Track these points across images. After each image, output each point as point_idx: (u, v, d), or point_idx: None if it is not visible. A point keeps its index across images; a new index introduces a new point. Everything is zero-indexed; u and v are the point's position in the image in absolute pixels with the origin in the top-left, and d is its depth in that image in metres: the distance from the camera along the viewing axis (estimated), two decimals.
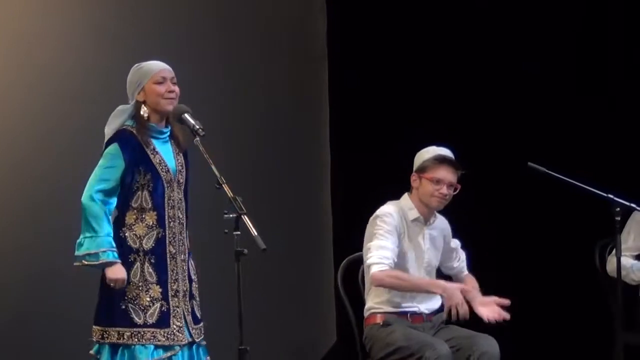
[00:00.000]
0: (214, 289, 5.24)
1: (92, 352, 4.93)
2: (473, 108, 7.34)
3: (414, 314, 5.39)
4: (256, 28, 7.47)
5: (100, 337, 4.86)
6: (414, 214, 5.42)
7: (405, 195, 5.47)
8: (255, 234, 4.47)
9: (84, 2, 6.83)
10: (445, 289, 5.21)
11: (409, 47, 7.42)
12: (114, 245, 4.81)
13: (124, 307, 4.83)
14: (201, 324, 5.03)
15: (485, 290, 5.73)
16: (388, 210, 5.40)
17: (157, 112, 4.92)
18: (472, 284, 5.53)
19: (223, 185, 4.68)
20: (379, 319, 5.39)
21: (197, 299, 5.03)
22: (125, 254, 4.88)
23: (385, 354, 5.28)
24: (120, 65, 5.37)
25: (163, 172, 4.92)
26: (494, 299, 5.21)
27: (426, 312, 5.42)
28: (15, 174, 6.35)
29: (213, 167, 4.75)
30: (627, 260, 5.77)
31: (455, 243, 5.66)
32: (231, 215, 4.58)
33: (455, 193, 5.38)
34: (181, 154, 5.04)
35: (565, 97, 7.20)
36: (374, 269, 5.25)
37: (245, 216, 4.52)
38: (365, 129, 7.08)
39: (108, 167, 4.87)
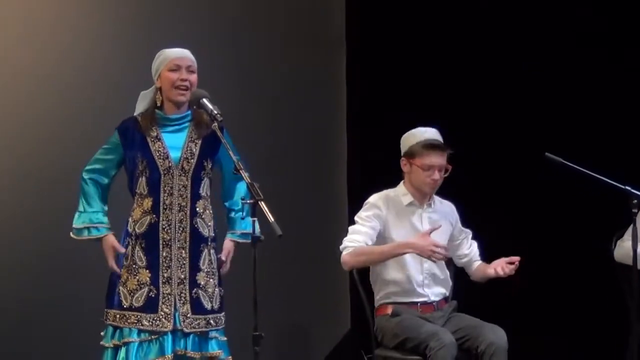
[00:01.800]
0: (230, 275, 5.22)
1: (102, 333, 5.04)
2: (491, 98, 7.33)
3: (424, 303, 5.41)
4: (275, 15, 7.49)
5: (104, 318, 4.97)
6: (407, 198, 5.44)
7: (401, 183, 5.49)
8: (272, 220, 4.45)
9: None
10: (411, 245, 5.20)
11: (428, 35, 7.42)
12: (103, 221, 5.01)
13: (118, 290, 4.94)
14: (208, 315, 5.02)
15: (495, 282, 5.78)
16: (372, 200, 5.44)
17: (169, 100, 4.97)
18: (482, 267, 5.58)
19: (240, 171, 4.69)
20: (389, 310, 5.43)
21: (208, 289, 5.02)
22: (124, 237, 5.02)
23: (395, 344, 5.32)
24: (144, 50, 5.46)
25: (160, 159, 4.96)
26: (503, 259, 5.36)
27: (437, 300, 5.45)
28: (32, 173, 6.40)
29: (230, 152, 4.79)
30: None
31: (466, 232, 5.66)
32: (248, 201, 4.58)
33: (446, 175, 5.39)
34: (198, 141, 5.04)
35: (582, 89, 7.17)
36: (343, 254, 5.30)
37: (263, 202, 4.51)
38: (382, 118, 7.09)
39: (104, 149, 5.05)
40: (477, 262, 5.63)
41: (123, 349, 4.91)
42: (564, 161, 5.34)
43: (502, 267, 5.34)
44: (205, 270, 5.02)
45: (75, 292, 6.23)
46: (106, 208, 5.08)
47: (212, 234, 5.08)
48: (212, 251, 5.06)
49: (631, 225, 5.48)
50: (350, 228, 5.38)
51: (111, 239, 4.99)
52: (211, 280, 5.03)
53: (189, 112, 5.04)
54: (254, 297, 4.57)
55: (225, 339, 5.10)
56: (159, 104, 5.01)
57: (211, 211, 5.10)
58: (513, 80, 7.26)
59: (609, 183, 5.34)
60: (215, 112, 4.77)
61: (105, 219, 5.04)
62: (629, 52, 7.09)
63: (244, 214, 4.69)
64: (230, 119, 5.00)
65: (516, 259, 5.33)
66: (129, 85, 5.70)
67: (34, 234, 6.45)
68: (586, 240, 6.44)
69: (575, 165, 5.36)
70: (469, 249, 5.64)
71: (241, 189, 5.14)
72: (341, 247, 5.33)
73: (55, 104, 6.63)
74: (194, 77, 4.97)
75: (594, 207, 6.32)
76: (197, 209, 5.00)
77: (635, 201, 5.33)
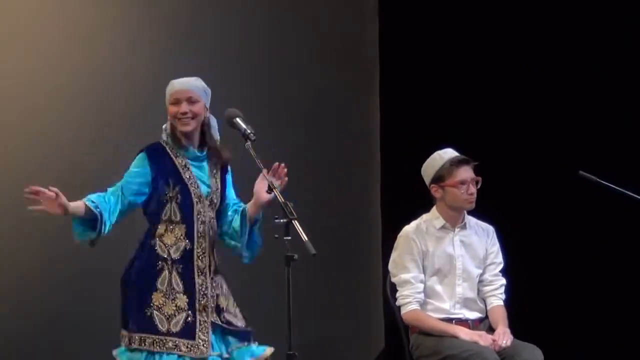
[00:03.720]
0: (264, 293, 5.33)
1: (115, 353, 4.92)
2: (523, 116, 7.31)
3: (459, 320, 5.37)
4: (310, 32, 7.54)
5: (127, 342, 4.83)
6: (439, 222, 5.44)
7: (433, 208, 5.49)
8: (306, 239, 4.44)
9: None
10: (464, 333, 5.27)
11: (460, 54, 7.44)
12: (90, 201, 4.74)
13: (149, 313, 4.81)
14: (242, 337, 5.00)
15: (532, 301, 5.74)
16: (405, 234, 5.47)
17: (178, 131, 4.90)
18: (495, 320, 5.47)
19: (274, 190, 4.70)
20: None
21: (230, 309, 4.99)
22: (154, 261, 4.87)
23: None
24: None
25: (193, 187, 4.90)
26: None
27: (472, 319, 5.41)
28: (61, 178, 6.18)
29: (264, 171, 4.78)
30: None
31: (497, 263, 5.57)
32: (282, 221, 4.55)
33: (479, 187, 5.39)
34: (218, 175, 5.01)
35: (615, 108, 7.14)
36: (403, 310, 5.39)
37: (296, 221, 4.50)
38: (415, 135, 7.10)
39: (133, 169, 4.86)
40: (497, 302, 5.52)
41: None
42: (597, 179, 5.36)
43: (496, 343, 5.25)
44: (222, 292, 5.00)
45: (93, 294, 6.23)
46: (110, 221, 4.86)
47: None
48: (220, 274, 5.04)
49: None
50: (399, 278, 5.41)
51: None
52: (229, 301, 5.00)
53: (205, 148, 5.00)
54: (288, 317, 4.54)
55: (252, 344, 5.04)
56: (172, 137, 4.98)
57: None
58: (547, 99, 7.25)
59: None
60: (249, 131, 4.74)
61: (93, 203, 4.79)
62: None
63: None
64: (265, 138, 4.97)
65: (499, 345, 5.23)
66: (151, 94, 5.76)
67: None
68: (618, 256, 6.45)
69: (607, 182, 5.35)
70: (491, 279, 5.53)
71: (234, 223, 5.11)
72: (399, 302, 5.40)
73: (88, 111, 6.66)
74: (196, 107, 4.88)
75: (626, 223, 6.28)
76: (217, 239, 5.03)
77: None
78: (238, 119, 4.81)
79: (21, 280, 6.50)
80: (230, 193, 5.09)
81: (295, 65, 7.41)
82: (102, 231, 4.73)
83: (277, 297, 4.67)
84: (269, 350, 5.02)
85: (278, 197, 4.67)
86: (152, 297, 4.83)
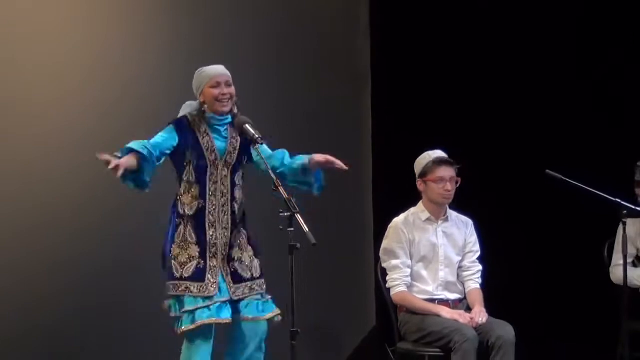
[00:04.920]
0: (270, 278, 5.23)
1: (167, 303, 5.01)
2: (502, 123, 7.29)
3: (441, 301, 5.42)
4: (309, 46, 7.46)
5: (168, 289, 4.94)
6: (425, 215, 5.48)
7: (420, 202, 5.53)
8: (307, 230, 4.50)
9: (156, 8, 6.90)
10: (445, 312, 5.31)
11: (444, 65, 7.41)
12: (127, 148, 4.77)
13: (170, 264, 4.94)
14: (248, 282, 5.01)
15: (506, 284, 5.82)
16: (394, 225, 5.50)
17: (213, 111, 5.00)
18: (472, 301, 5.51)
19: (279, 188, 4.73)
20: None
21: (245, 261, 5.02)
22: (175, 217, 4.99)
23: (418, 337, 5.34)
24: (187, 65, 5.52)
25: (208, 152, 4.97)
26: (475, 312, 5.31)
27: (452, 299, 5.46)
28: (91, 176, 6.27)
29: (270, 171, 4.85)
30: (631, 271, 5.76)
31: (475, 251, 5.61)
32: (286, 214, 4.62)
33: (457, 186, 5.43)
34: (237, 138, 5.06)
35: (581, 110, 7.15)
36: (393, 292, 5.43)
37: (298, 215, 4.57)
38: (402, 139, 7.05)
39: (161, 135, 4.93)
40: (473, 285, 5.55)
41: (187, 316, 4.92)
42: (562, 177, 5.39)
43: (473, 320, 5.26)
44: (238, 245, 5.04)
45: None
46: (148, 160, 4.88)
47: (242, 215, 5.10)
48: (242, 229, 5.08)
49: (617, 235, 5.64)
50: (389, 264, 5.46)
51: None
52: (245, 253, 5.05)
53: (229, 116, 5.08)
54: (291, 298, 4.62)
55: (269, 297, 5.08)
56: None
57: (242, 196, 5.11)
58: (520, 104, 7.24)
59: (602, 196, 5.38)
60: (257, 136, 4.85)
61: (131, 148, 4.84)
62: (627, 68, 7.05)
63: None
64: (270, 142, 5.07)
65: (476, 322, 5.25)
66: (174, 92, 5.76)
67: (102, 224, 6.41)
68: (581, 247, 6.42)
69: (572, 180, 5.39)
70: (469, 266, 5.57)
71: (277, 154, 5.16)
72: (389, 284, 5.45)
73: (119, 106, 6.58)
74: (232, 89, 5.01)
75: (589, 217, 6.24)
76: (235, 195, 5.04)
77: (625, 211, 5.38)
78: (247, 125, 4.90)
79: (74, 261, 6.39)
80: (261, 151, 5.01)
81: (295, 76, 7.37)
82: (152, 169, 4.84)
83: (282, 281, 4.74)
84: (272, 314, 5.04)
85: (282, 193, 4.70)
86: (172, 249, 4.95)
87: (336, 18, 7.69)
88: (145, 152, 4.79)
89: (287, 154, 5.13)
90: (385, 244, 5.53)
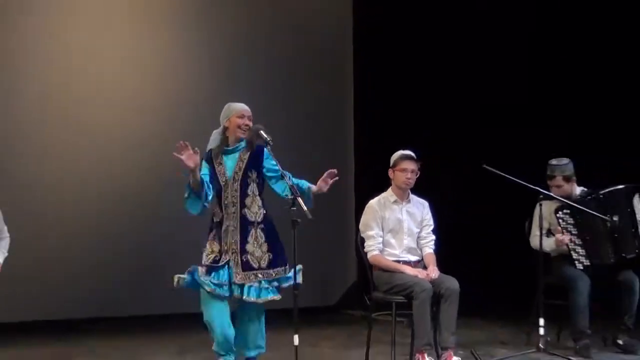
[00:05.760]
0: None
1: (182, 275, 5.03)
2: (449, 129, 7.48)
3: (405, 262, 5.42)
4: (299, 59, 7.65)
5: (188, 267, 5.02)
6: (393, 197, 5.45)
7: (389, 188, 5.50)
8: (305, 209, 4.59)
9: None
10: (407, 270, 5.29)
11: (414, 78, 7.57)
12: (192, 185, 4.81)
13: (202, 250, 5.05)
14: (255, 271, 4.96)
15: (452, 249, 5.81)
16: (370, 205, 5.44)
17: (234, 136, 5.06)
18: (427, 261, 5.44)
19: (285, 177, 4.87)
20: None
21: (255, 254, 4.98)
22: (211, 222, 5.08)
23: (387, 288, 5.36)
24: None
25: (221, 176, 5.01)
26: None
27: (413, 260, 5.47)
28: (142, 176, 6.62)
29: (279, 166, 4.96)
30: (544, 240, 5.75)
31: (430, 225, 5.50)
32: (290, 197, 4.76)
33: (417, 176, 5.39)
34: (245, 158, 5.02)
35: (515, 119, 7.39)
36: (369, 255, 5.40)
37: (299, 197, 4.68)
38: (378, 139, 7.11)
39: (203, 171, 5.01)
40: (428, 250, 5.47)
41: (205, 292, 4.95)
42: (495, 170, 5.44)
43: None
44: (252, 242, 4.99)
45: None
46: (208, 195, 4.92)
47: (259, 219, 5.00)
48: (258, 229, 5.00)
49: (534, 213, 5.70)
50: (366, 233, 5.40)
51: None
52: (258, 248, 4.98)
53: (243, 140, 5.06)
54: (294, 259, 4.75)
55: (276, 284, 5.03)
56: (224, 137, 5.04)
57: (260, 203, 5.02)
58: (465, 121, 7.47)
59: (525, 185, 5.50)
60: (269, 138, 4.89)
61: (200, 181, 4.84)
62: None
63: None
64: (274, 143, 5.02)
65: (430, 277, 5.20)
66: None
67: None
68: (510, 221, 6.33)
69: (503, 172, 5.44)
70: (425, 236, 5.50)
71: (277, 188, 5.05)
72: (366, 249, 5.39)
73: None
74: (250, 122, 5.03)
75: (515, 199, 6.03)
76: (246, 203, 4.98)
77: (541, 196, 5.56)
78: (262, 131, 4.94)
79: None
80: (268, 164, 5.00)
81: (286, 85, 7.51)
82: (208, 199, 4.87)
83: (286, 247, 4.89)
84: (269, 299, 5.00)
85: (287, 181, 4.81)
86: (206, 244, 5.05)
87: (323, 33, 7.81)
88: (205, 189, 4.85)
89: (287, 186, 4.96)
90: (363, 219, 5.47)
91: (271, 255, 5.03)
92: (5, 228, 4.91)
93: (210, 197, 4.96)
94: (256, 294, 4.98)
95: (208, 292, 4.92)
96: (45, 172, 7.13)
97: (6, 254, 4.91)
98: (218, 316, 4.96)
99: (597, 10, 7.17)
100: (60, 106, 7.15)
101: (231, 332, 5.00)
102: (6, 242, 4.92)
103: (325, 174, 4.94)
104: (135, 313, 7.13)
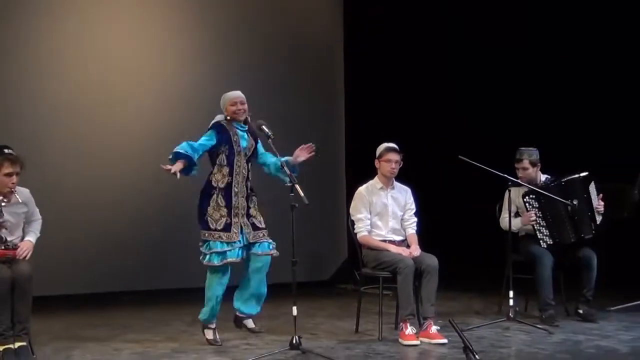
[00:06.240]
0: (279, 227, 5.24)
1: (200, 245, 5.08)
2: (429, 125, 7.45)
3: (390, 241, 5.40)
4: (294, 64, 7.65)
5: (202, 236, 5.04)
6: (379, 185, 5.43)
7: (376, 176, 5.48)
8: (302, 195, 4.59)
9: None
10: (392, 249, 5.27)
11: (402, 81, 7.57)
12: (177, 153, 4.85)
13: (206, 218, 5.00)
14: (260, 231, 5.05)
15: (432, 230, 5.80)
16: (359, 190, 5.42)
17: (233, 120, 5.08)
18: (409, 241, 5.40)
19: (285, 167, 4.90)
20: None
21: (257, 217, 5.06)
22: (210, 188, 5.00)
23: (375, 265, 5.35)
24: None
25: (236, 145, 5.02)
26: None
27: (397, 240, 5.45)
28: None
29: (278, 156, 5.00)
30: (513, 221, 5.70)
31: (412, 209, 5.48)
32: (288, 184, 4.75)
33: (400, 166, 5.38)
34: (252, 140, 5.09)
35: (488, 115, 7.37)
36: (358, 235, 5.37)
37: (297, 185, 4.67)
38: (367, 136, 6.84)
39: (205, 137, 5.02)
40: (411, 231, 5.43)
41: (215, 255, 4.99)
42: (469, 160, 5.43)
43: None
44: (252, 207, 5.07)
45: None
46: (194, 157, 4.91)
47: (253, 190, 5.12)
48: (253, 198, 5.08)
49: (504, 198, 5.68)
50: (356, 216, 5.36)
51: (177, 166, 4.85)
52: (257, 213, 5.09)
53: (246, 127, 5.11)
54: (292, 239, 4.71)
55: (268, 240, 5.08)
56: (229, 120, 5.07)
57: (251, 178, 5.12)
58: (442, 118, 7.48)
59: (497, 173, 5.51)
60: (270, 133, 4.90)
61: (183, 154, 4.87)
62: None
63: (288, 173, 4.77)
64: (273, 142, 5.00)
65: (412, 255, 5.17)
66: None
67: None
68: (482, 204, 6.30)
69: (477, 162, 5.44)
70: (408, 218, 5.47)
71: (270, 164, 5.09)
72: (356, 230, 5.36)
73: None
74: (245, 106, 5.06)
75: (486, 185, 5.94)
76: (248, 176, 5.07)
77: (510, 182, 5.57)
78: (263, 126, 4.94)
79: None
80: (260, 150, 5.14)
81: (281, 89, 7.48)
82: (196, 165, 4.90)
83: (286, 228, 4.78)
84: (274, 252, 5.08)
85: (286, 170, 4.80)
86: (207, 209, 5.00)
87: (316, 42, 7.75)
88: (193, 156, 4.84)
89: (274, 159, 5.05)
90: (353, 204, 5.45)
91: (262, 219, 5.12)
92: (37, 211, 4.90)
93: (195, 159, 4.92)
94: (268, 248, 5.06)
95: (216, 267, 4.94)
96: (73, 164, 7.15)
97: (38, 234, 4.89)
98: (219, 291, 5.04)
99: (592, 9, 7.15)
100: (95, 102, 7.14)
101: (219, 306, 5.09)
102: (38, 223, 4.91)
103: (305, 145, 4.98)
104: (154, 287, 7.13)
